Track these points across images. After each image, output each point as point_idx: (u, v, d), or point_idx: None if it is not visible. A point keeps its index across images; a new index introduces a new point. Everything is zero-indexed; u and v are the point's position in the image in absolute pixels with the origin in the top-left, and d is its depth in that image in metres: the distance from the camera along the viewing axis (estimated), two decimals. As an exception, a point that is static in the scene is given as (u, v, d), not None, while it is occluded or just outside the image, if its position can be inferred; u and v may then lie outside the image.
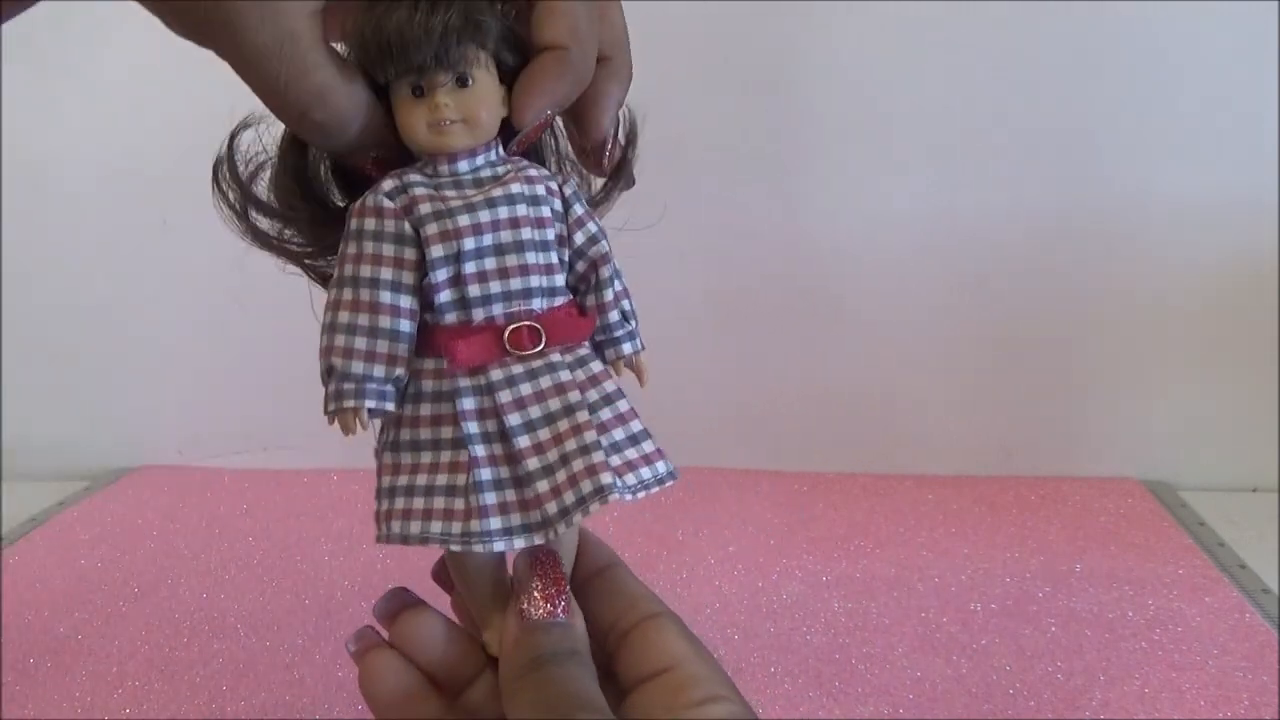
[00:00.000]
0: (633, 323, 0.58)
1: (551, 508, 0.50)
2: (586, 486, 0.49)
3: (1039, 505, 1.40)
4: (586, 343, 0.56)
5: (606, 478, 0.49)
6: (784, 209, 1.42)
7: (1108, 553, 1.26)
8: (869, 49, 1.35)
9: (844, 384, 1.49)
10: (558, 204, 0.54)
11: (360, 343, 0.52)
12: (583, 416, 0.51)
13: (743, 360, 1.51)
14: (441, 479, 0.52)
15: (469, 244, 0.51)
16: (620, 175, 0.59)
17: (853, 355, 1.48)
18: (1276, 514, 1.36)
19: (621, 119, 0.57)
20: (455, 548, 0.50)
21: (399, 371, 0.52)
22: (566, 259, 0.55)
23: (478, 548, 0.50)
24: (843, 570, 1.25)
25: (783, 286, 1.46)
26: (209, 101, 1.36)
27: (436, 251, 0.51)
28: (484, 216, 0.51)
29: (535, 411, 0.52)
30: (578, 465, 0.49)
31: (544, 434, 0.51)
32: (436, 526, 0.51)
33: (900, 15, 1.32)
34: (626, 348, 0.58)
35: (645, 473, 0.53)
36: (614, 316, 0.57)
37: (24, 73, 1.44)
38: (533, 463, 0.51)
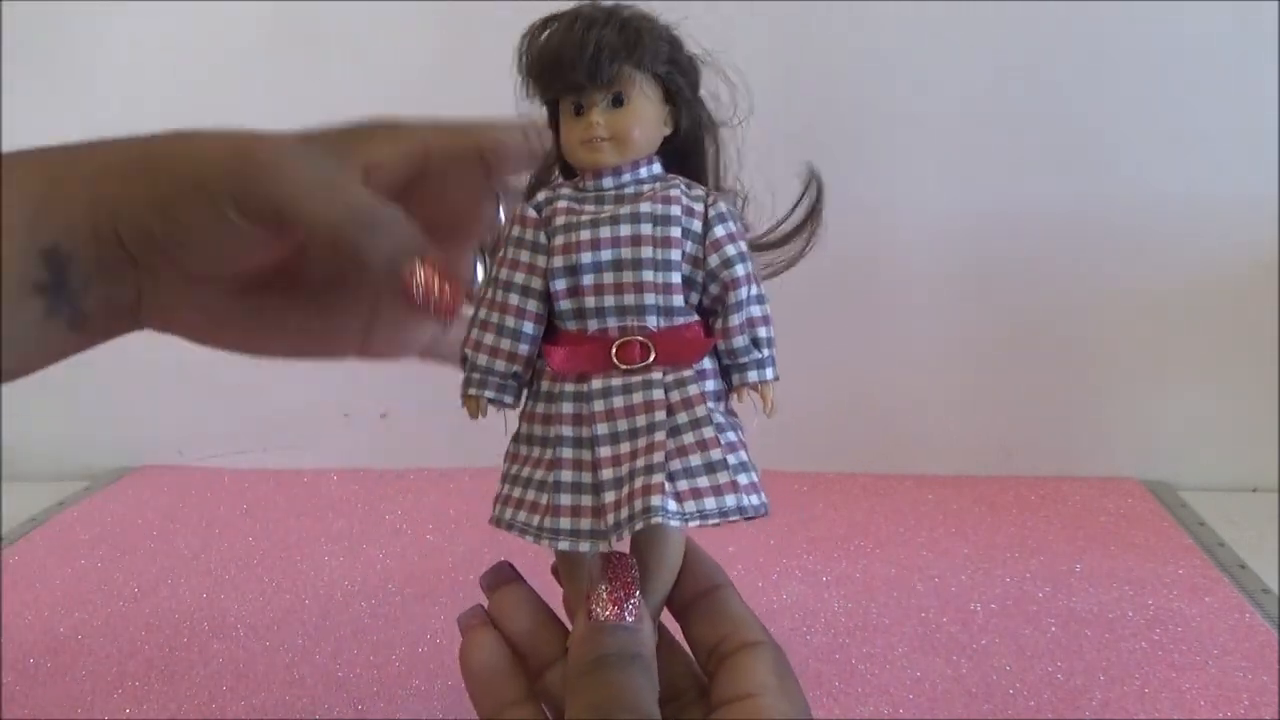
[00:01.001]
0: (765, 351, 0.58)
1: (611, 519, 0.52)
2: (639, 505, 0.51)
3: (1039, 505, 1.40)
4: (708, 363, 0.57)
5: (656, 500, 0.51)
6: (781, 209, 1.42)
7: (1108, 553, 1.26)
8: (874, 49, 1.35)
9: (844, 383, 1.49)
10: (695, 224, 0.55)
11: (488, 338, 0.57)
12: (659, 437, 0.53)
13: None
14: (539, 474, 0.56)
15: (586, 258, 0.54)
16: (808, 235, 0.64)
17: (852, 355, 1.48)
18: (1277, 514, 1.36)
19: (814, 177, 0.64)
20: (529, 539, 0.55)
21: (517, 368, 0.57)
22: (699, 279, 0.56)
23: (545, 542, 0.55)
24: (842, 570, 1.25)
25: (780, 285, 1.45)
26: (205, 99, 1.38)
27: (556, 262, 0.55)
28: (605, 233, 0.54)
29: (622, 425, 0.54)
30: (639, 483, 0.52)
31: (624, 447, 0.54)
32: (522, 516, 0.56)
33: (903, 15, 1.32)
34: (751, 375, 0.58)
35: (709, 503, 0.53)
36: (739, 342, 0.57)
37: (21, 70, 1.44)
38: (607, 473, 0.54)
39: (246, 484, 1.56)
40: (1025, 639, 1.07)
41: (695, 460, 0.54)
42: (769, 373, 0.59)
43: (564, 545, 0.54)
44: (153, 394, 1.59)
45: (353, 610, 1.19)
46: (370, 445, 1.60)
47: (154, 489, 1.56)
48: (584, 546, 0.54)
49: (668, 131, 0.57)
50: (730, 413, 0.59)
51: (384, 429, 1.58)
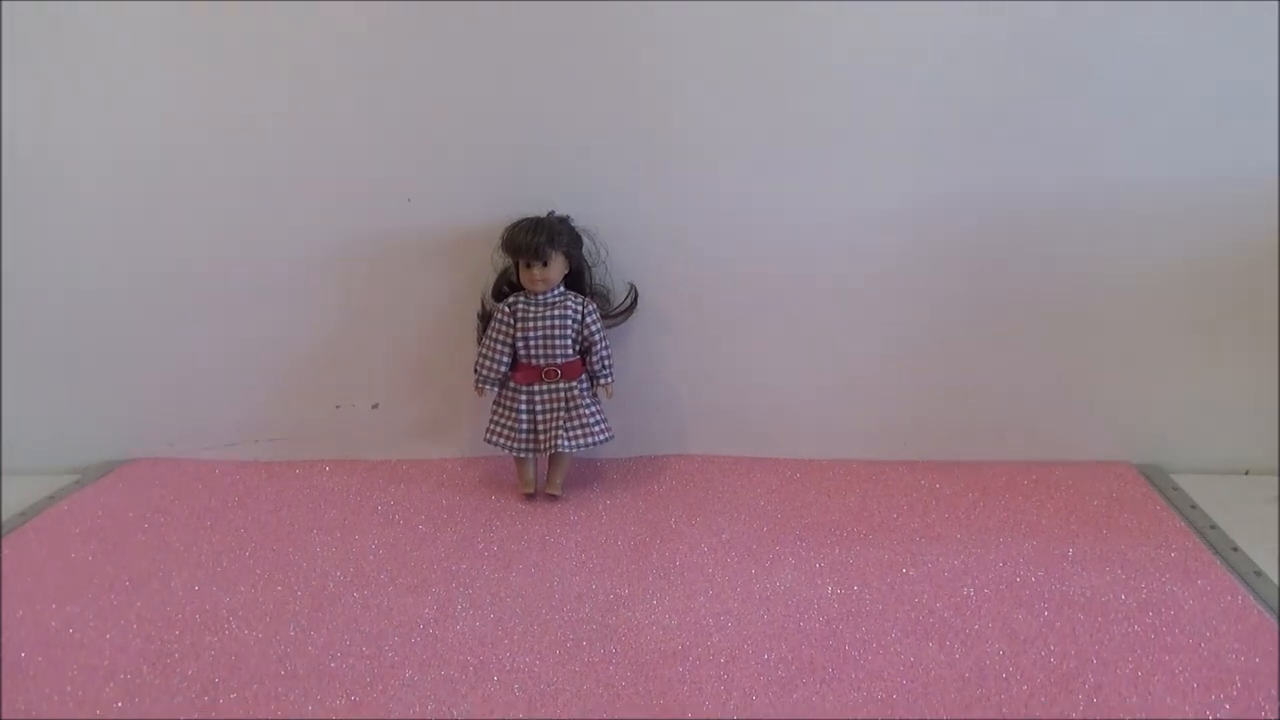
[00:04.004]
0: (608, 370, 1.49)
1: (542, 446, 1.48)
2: (552, 443, 1.47)
3: (1031, 489, 1.40)
4: (584, 377, 1.49)
5: (560, 440, 1.46)
6: (769, 201, 1.43)
7: (1100, 536, 1.26)
8: (870, 44, 1.35)
9: (833, 371, 1.50)
10: (579, 317, 1.46)
11: (486, 362, 1.48)
12: (561, 413, 1.48)
13: (731, 350, 1.52)
14: (508, 422, 1.49)
15: (532, 333, 1.46)
16: (628, 313, 1.51)
17: (841, 341, 1.48)
18: (1275, 497, 1.36)
19: (631, 293, 1.52)
20: (506, 452, 1.49)
21: (499, 375, 1.48)
22: (580, 340, 1.47)
23: (513, 453, 1.49)
24: (835, 557, 1.25)
25: (766, 275, 1.46)
26: (201, 101, 1.37)
27: (518, 334, 1.46)
28: (540, 323, 1.45)
29: (548, 406, 1.49)
30: (552, 433, 1.47)
31: (548, 416, 1.49)
32: (502, 441, 1.49)
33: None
34: (602, 380, 1.50)
35: (581, 441, 1.47)
36: (597, 367, 1.49)
37: (20, 70, 1.43)
38: (541, 427, 1.49)
39: (238, 476, 1.55)
40: (1018, 623, 1.07)
41: (576, 423, 1.47)
42: (609, 379, 1.50)
43: (521, 454, 1.49)
44: (144, 387, 1.58)
45: (346, 601, 1.19)
46: (362, 436, 1.59)
47: (145, 482, 1.54)
48: (529, 455, 1.49)
49: (566, 271, 1.45)
50: (594, 396, 1.50)
51: (375, 420, 1.57)
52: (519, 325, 1.44)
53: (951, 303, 1.45)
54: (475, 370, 1.47)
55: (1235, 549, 1.21)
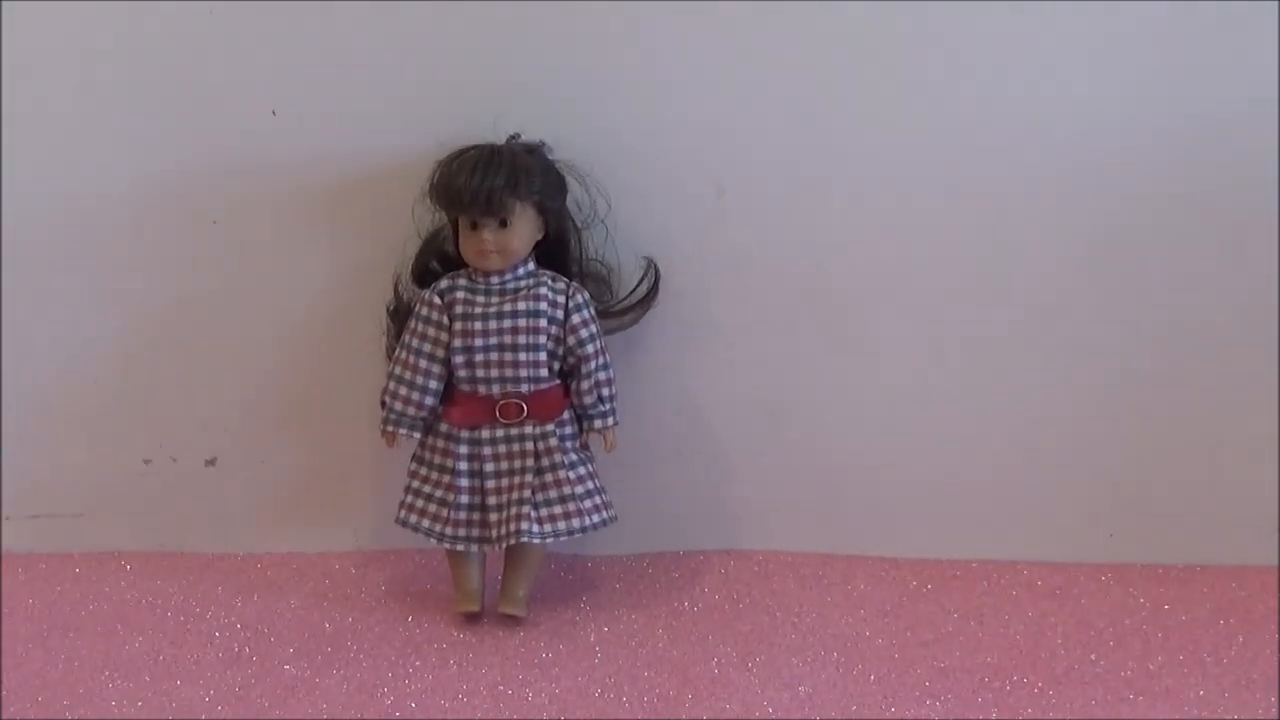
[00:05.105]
0: (608, 404, 1.43)
1: (494, 533, 1.42)
2: (513, 527, 1.39)
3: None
4: (566, 413, 1.42)
5: (525, 525, 1.38)
6: (884, 112, 1.43)
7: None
8: None
9: (985, 410, 1.51)
10: (559, 314, 1.38)
11: (401, 389, 1.41)
12: (528, 478, 1.40)
13: (814, 373, 1.52)
14: (439, 492, 1.44)
15: (479, 341, 1.37)
16: (645, 307, 1.45)
17: (999, 363, 1.49)
18: None
19: (652, 270, 1.43)
20: (432, 540, 1.43)
21: (423, 413, 1.42)
22: (560, 352, 1.40)
23: (445, 545, 1.44)
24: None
25: (872, 247, 1.48)
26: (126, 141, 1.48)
27: (457, 342, 1.39)
28: (493, 325, 1.37)
29: (504, 465, 1.41)
30: (511, 511, 1.40)
31: (505, 482, 1.41)
32: (425, 523, 1.43)
33: None
34: (598, 423, 1.43)
35: (561, 525, 1.39)
36: (589, 399, 1.42)
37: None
38: (492, 499, 1.42)
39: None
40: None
41: (552, 494, 1.40)
42: (610, 420, 1.44)
43: (460, 547, 1.43)
44: None
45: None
46: (189, 512, 1.55)
47: None
48: (473, 548, 1.44)
49: (540, 237, 1.39)
50: (584, 447, 1.45)
51: (211, 485, 1.53)
52: (459, 328, 1.38)
53: (1198, 303, 1.45)
54: (382, 404, 1.43)
55: None
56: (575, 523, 1.39)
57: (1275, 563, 1.48)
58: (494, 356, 1.37)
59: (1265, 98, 1.40)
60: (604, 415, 1.42)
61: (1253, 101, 1.41)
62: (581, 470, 1.42)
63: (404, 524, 1.43)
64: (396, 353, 1.41)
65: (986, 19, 1.40)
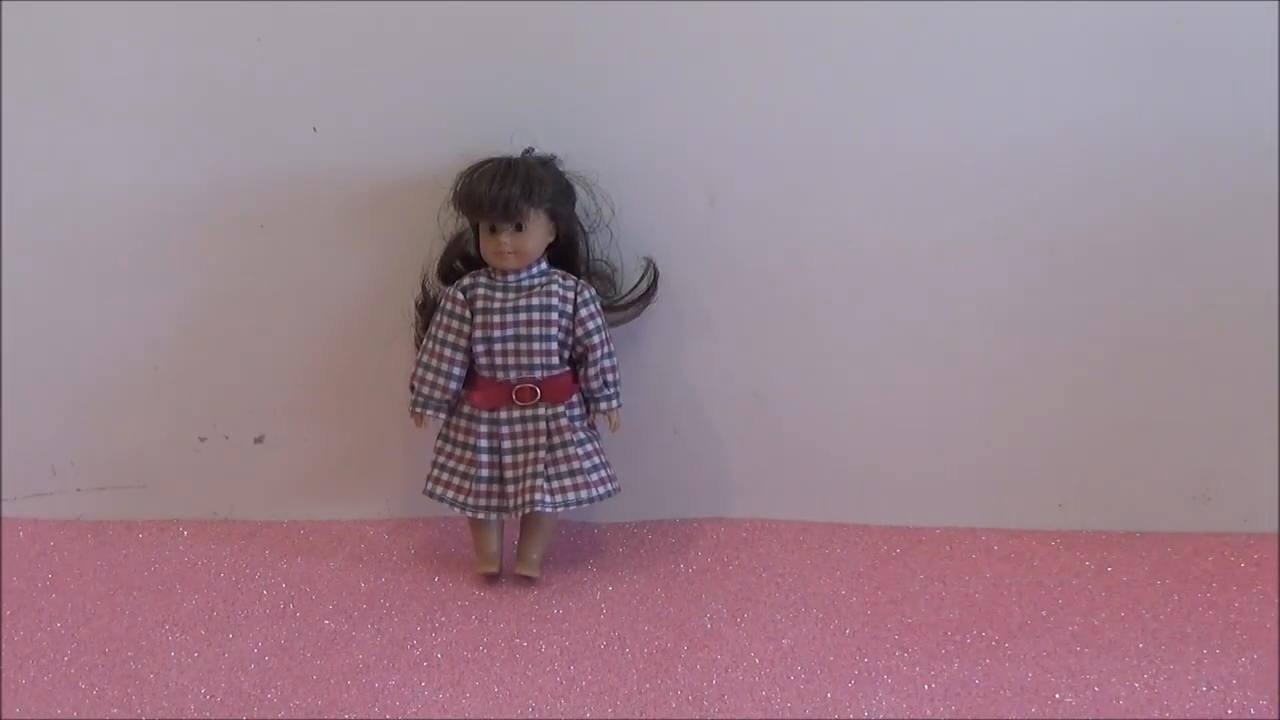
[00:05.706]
0: (612, 389, 1.54)
1: (511, 503, 1.52)
2: (526, 498, 1.50)
3: (1252, 577, 1.41)
4: (575, 397, 1.52)
5: (538, 495, 1.49)
6: (864, 117, 1.46)
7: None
8: None
9: (952, 390, 1.53)
10: (569, 308, 1.48)
11: (428, 375, 1.52)
12: (541, 454, 1.51)
13: (799, 358, 1.55)
14: (461, 466, 1.54)
15: (497, 333, 1.48)
16: (645, 302, 1.54)
17: (965, 345, 1.51)
18: None
19: (651, 269, 1.53)
20: (457, 511, 1.55)
21: (448, 397, 1.52)
22: (569, 342, 1.50)
23: (468, 514, 1.54)
24: (954, 676, 1.25)
25: (854, 240, 1.50)
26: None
27: (477, 333, 1.50)
28: (510, 318, 1.48)
29: (520, 443, 1.53)
30: (526, 484, 1.51)
31: (520, 457, 1.52)
32: (450, 494, 1.54)
33: None
34: (603, 405, 1.54)
35: (570, 496, 1.50)
36: (595, 384, 1.53)
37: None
38: (509, 473, 1.52)
39: (50, 542, 1.56)
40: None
41: (563, 468, 1.51)
42: (615, 403, 1.55)
43: (480, 515, 1.52)
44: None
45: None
46: (239, 485, 1.61)
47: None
48: (492, 517, 1.53)
49: (551, 239, 1.49)
50: (591, 426, 1.56)
51: (259, 460, 1.60)
52: (479, 321, 1.47)
53: (1137, 289, 1.47)
54: (411, 388, 1.50)
55: None
56: (583, 494, 1.48)
57: (1205, 529, 1.49)
58: (511, 346, 1.46)
59: (1264, 106, 1.40)
60: (609, 398, 1.51)
61: (1249, 108, 1.40)
62: (589, 447, 1.51)
63: (431, 495, 1.51)
64: (424, 343, 1.50)
65: (968, 33, 1.42)
